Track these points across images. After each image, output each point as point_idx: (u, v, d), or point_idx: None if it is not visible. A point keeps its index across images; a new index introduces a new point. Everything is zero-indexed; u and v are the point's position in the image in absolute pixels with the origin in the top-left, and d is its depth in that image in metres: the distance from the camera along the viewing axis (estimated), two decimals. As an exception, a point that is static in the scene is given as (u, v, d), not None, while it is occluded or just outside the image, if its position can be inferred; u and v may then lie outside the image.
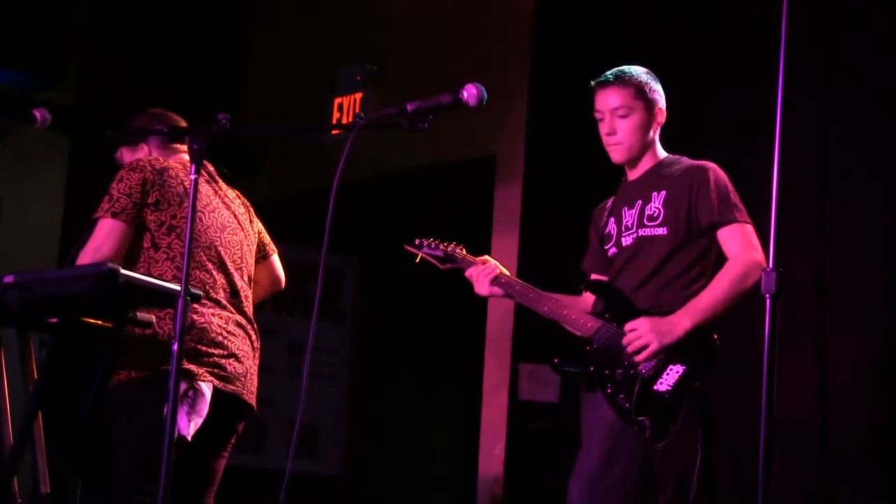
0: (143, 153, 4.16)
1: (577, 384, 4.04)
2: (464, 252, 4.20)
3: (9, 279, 3.64)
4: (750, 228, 3.88)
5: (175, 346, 3.31)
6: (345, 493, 7.96)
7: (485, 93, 3.44)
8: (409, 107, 3.46)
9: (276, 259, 4.40)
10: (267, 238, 4.38)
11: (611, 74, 4.02)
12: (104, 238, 3.90)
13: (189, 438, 3.82)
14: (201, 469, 4.03)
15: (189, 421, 3.84)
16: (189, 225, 3.40)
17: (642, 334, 3.78)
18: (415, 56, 6.96)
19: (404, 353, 7.81)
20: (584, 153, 4.06)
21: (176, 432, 3.73)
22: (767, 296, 2.94)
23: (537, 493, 5.92)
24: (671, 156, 4.06)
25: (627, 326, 3.82)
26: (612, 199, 4.14)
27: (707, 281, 3.89)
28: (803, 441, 4.95)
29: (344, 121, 6.94)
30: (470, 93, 3.44)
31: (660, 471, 5.09)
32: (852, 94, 5.07)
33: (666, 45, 5.59)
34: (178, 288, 3.41)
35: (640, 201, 3.97)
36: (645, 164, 4.04)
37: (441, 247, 4.22)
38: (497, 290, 4.08)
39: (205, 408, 3.85)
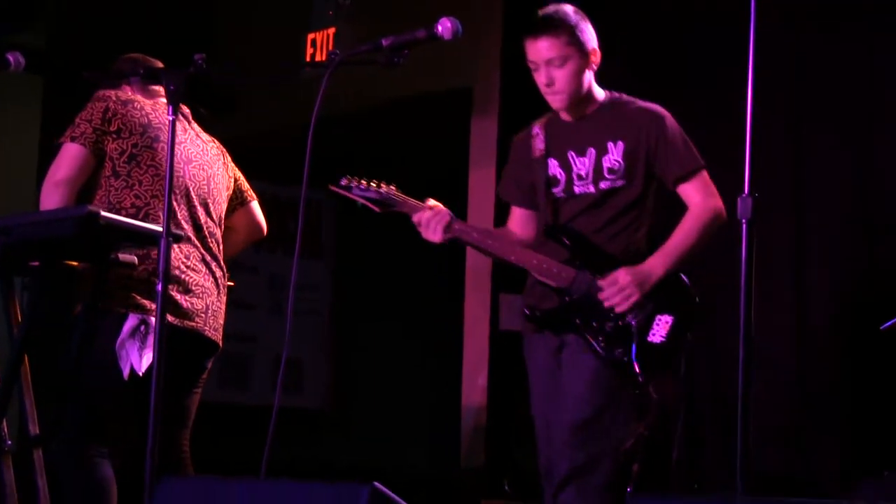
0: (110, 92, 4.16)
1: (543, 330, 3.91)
2: (402, 194, 3.91)
3: (-10, 224, 3.65)
4: (706, 174, 3.85)
5: (159, 287, 3.33)
6: (329, 426, 8.02)
7: (459, 26, 3.45)
8: (385, 42, 3.48)
9: (255, 206, 4.36)
10: (246, 185, 4.34)
11: (540, 23, 3.84)
12: (62, 162, 3.92)
13: (140, 373, 3.83)
14: (170, 407, 4.04)
15: (141, 356, 3.83)
16: (169, 166, 3.42)
17: (624, 286, 3.72)
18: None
19: (385, 287, 7.84)
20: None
21: (128, 368, 3.79)
22: (744, 221, 2.96)
23: (520, 421, 5.99)
24: (610, 94, 3.95)
25: (606, 280, 3.76)
26: (538, 128, 3.98)
27: (651, 223, 3.88)
28: (781, 364, 5.03)
29: (318, 56, 6.92)
30: (445, 27, 3.45)
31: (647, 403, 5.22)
32: (826, 18, 5.09)
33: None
34: (160, 229, 3.43)
35: (592, 150, 3.86)
36: (585, 104, 3.91)
37: (373, 187, 3.89)
38: (451, 238, 3.85)
39: None
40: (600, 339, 3.76)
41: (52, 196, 3.88)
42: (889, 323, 4.29)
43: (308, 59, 6.94)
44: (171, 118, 3.43)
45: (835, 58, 5.06)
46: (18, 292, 4.05)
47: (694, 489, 5.17)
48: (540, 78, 3.85)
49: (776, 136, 4.98)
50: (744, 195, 2.97)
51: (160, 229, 3.45)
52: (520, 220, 4.06)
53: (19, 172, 7.21)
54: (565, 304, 3.82)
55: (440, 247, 5.39)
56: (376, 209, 3.90)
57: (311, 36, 7.06)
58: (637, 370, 3.73)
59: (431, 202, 3.89)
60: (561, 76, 3.82)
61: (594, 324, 3.77)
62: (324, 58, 6.76)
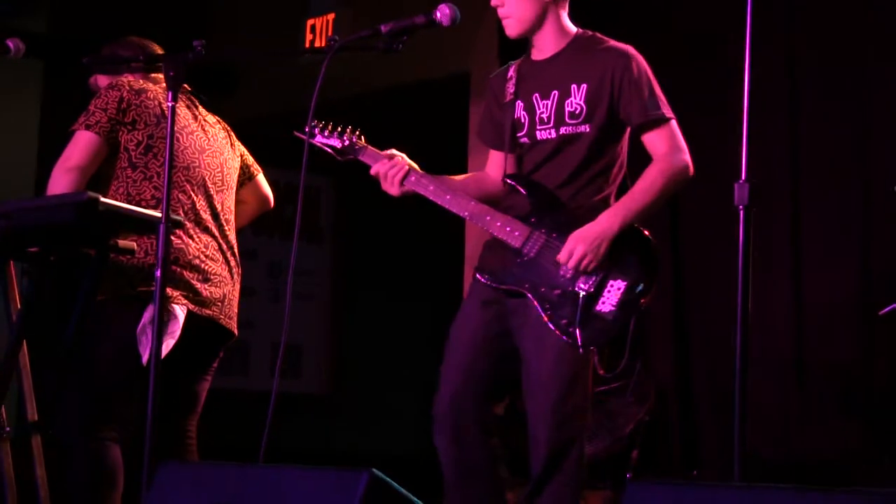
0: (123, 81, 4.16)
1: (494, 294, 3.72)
2: (364, 142, 3.80)
3: (-11, 209, 3.65)
4: (675, 124, 3.64)
5: (158, 273, 3.35)
6: (328, 411, 8.04)
7: (458, 13, 3.46)
8: (384, 28, 3.49)
9: (262, 178, 4.39)
10: (250, 159, 4.38)
11: None
12: (75, 149, 3.91)
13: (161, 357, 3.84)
14: (181, 394, 4.07)
15: (161, 342, 3.85)
16: (168, 150, 3.43)
17: (579, 255, 3.53)
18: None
19: (384, 271, 7.85)
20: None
21: (148, 354, 3.79)
22: (741, 207, 2.96)
23: (515, 403, 6.00)
24: (583, 32, 3.75)
25: (562, 255, 3.56)
26: (514, 69, 3.80)
27: (620, 182, 3.69)
28: (778, 351, 5.04)
29: (317, 42, 6.92)
30: (443, 13, 3.46)
31: (642, 384, 5.20)
32: (821, 7, 5.10)
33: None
34: (159, 214, 3.44)
35: (556, 92, 3.67)
36: (553, 42, 3.72)
37: (336, 134, 3.81)
38: (409, 191, 3.71)
39: (177, 330, 3.87)
40: (546, 305, 3.57)
41: (62, 181, 3.87)
42: (888, 308, 4.29)
43: (307, 44, 6.95)
44: (170, 104, 3.45)
45: (831, 41, 5.06)
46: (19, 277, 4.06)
47: (693, 476, 5.18)
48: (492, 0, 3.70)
49: (773, 122, 4.98)
50: (741, 181, 2.97)
51: (159, 215, 3.47)
52: (497, 164, 3.87)
53: (19, 157, 7.20)
54: (515, 265, 3.65)
55: (438, 230, 5.34)
56: (337, 157, 3.82)
57: (310, 21, 7.06)
58: (580, 341, 3.52)
59: (392, 152, 3.77)
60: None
61: (542, 290, 3.59)
62: (323, 43, 6.76)
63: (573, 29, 3.75)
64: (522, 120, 3.73)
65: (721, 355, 5.11)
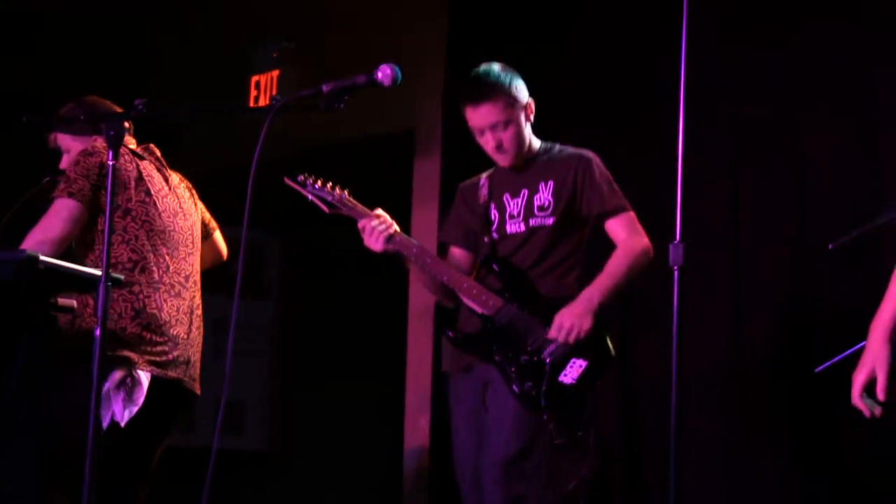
0: (94, 141, 4.14)
1: (464, 356, 4.09)
2: (353, 200, 4.12)
3: (-73, 267, 3.62)
4: (633, 215, 4.07)
5: (97, 331, 3.32)
6: (271, 468, 7.98)
7: (399, 73, 3.49)
8: (325, 88, 3.51)
9: (218, 235, 4.47)
10: (207, 216, 4.42)
11: (478, 90, 4.04)
12: (55, 216, 3.90)
13: (122, 425, 3.82)
14: (139, 458, 4.04)
15: (124, 409, 3.83)
16: (108, 210, 3.43)
17: (571, 328, 3.86)
18: (332, 32, 6.97)
19: (328, 329, 7.83)
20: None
21: (109, 419, 3.76)
22: (675, 268, 3.01)
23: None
24: (545, 143, 4.19)
25: (551, 332, 3.88)
26: (485, 178, 4.21)
27: (581, 270, 4.06)
28: (721, 398, 5.08)
29: (261, 99, 6.94)
30: (384, 73, 3.49)
31: (585, 439, 5.23)
32: (758, 62, 5.17)
33: (576, 20, 5.66)
34: (99, 273, 3.42)
35: (525, 190, 4.09)
36: (525, 154, 4.14)
37: (327, 189, 4.12)
38: (392, 249, 4.02)
39: (141, 397, 3.85)
40: (513, 369, 3.87)
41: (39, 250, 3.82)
42: (824, 365, 4.35)
43: (252, 101, 6.96)
44: (110, 163, 3.44)
45: (770, 101, 5.13)
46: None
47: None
48: (487, 142, 4.05)
49: (711, 181, 5.04)
50: (675, 242, 3.01)
51: (99, 273, 3.44)
52: (456, 259, 4.23)
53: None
54: (486, 329, 3.95)
55: (383, 289, 5.45)
56: (326, 209, 4.08)
57: (255, 78, 7.08)
58: (543, 405, 3.82)
59: (379, 211, 4.04)
60: (507, 137, 4.03)
61: (510, 354, 3.90)
62: (267, 101, 6.78)
63: (538, 142, 4.16)
64: (493, 218, 4.10)
65: (665, 411, 5.14)
